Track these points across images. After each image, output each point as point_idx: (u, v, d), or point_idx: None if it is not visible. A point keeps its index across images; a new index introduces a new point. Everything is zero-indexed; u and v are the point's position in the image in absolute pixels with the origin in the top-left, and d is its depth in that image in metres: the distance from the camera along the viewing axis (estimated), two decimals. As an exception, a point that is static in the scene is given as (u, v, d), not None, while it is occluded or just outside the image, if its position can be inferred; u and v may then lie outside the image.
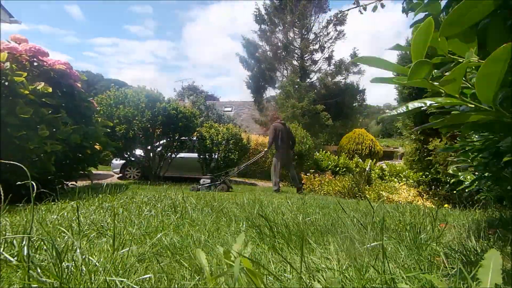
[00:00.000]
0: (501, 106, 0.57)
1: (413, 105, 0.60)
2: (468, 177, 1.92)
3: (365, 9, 2.60)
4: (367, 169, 7.87)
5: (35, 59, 2.83)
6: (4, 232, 1.19)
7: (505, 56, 0.47)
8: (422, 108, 0.61)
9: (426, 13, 0.77)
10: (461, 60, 0.63)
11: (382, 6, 2.50)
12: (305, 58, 16.60)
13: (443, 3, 0.79)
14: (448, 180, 5.13)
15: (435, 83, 0.57)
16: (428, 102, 0.59)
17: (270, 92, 18.07)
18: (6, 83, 2.41)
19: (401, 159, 17.47)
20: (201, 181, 5.76)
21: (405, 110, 0.61)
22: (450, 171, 1.99)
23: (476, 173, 1.72)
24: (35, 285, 0.72)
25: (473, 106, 0.57)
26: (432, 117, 0.75)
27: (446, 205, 4.44)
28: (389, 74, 0.66)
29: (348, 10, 2.16)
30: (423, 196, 6.17)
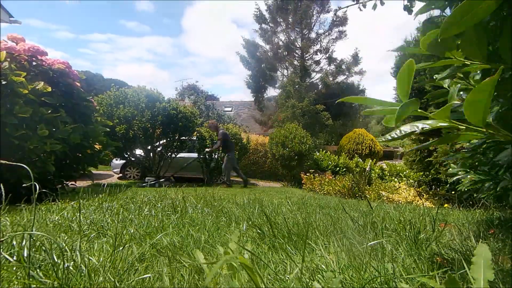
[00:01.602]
0: (496, 123, 0.59)
1: (405, 129, 0.64)
2: (468, 176, 1.92)
3: (364, 6, 2.61)
4: (367, 169, 7.87)
5: (34, 58, 2.83)
6: (4, 232, 1.19)
7: (489, 88, 0.51)
8: (415, 132, 0.65)
9: (429, 13, 0.77)
10: (468, 63, 0.63)
11: (382, 3, 2.50)
12: (306, 58, 16.59)
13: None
14: (448, 180, 5.13)
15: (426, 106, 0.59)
16: (420, 126, 0.63)
17: (271, 92, 18.07)
18: (5, 83, 2.40)
19: (401, 159, 17.48)
20: (146, 179, 6.75)
21: (398, 135, 0.66)
22: (450, 170, 2.00)
23: (477, 172, 1.72)
24: (34, 286, 0.72)
25: (463, 127, 0.59)
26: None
27: (446, 205, 4.44)
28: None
29: (347, 7, 2.16)
30: (423, 196, 6.18)
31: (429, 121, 0.61)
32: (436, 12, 0.88)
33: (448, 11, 0.82)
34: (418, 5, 0.88)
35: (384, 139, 0.69)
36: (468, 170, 1.76)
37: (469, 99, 0.53)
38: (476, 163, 1.60)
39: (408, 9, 1.87)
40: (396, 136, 0.66)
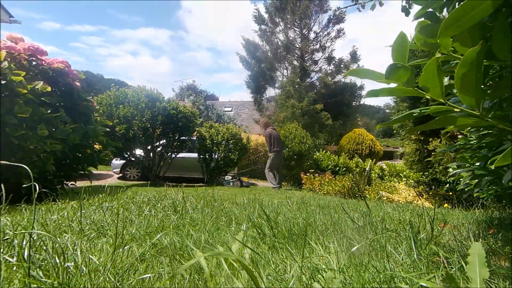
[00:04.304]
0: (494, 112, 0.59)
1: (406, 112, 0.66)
2: (468, 172, 1.93)
3: (363, 7, 2.61)
4: (367, 169, 7.87)
5: (33, 58, 2.83)
6: (4, 232, 1.19)
7: (471, 59, 0.50)
8: (414, 115, 0.67)
9: (429, 10, 0.77)
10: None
11: (381, 4, 2.51)
12: (305, 58, 16.59)
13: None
14: (448, 180, 5.14)
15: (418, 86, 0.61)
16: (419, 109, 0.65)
17: (270, 92, 18.07)
18: (5, 82, 2.40)
19: (401, 159, 17.49)
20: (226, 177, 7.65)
21: (399, 116, 0.68)
22: (450, 169, 2.00)
23: (475, 171, 1.72)
24: (35, 285, 0.72)
25: (458, 110, 0.59)
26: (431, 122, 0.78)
27: (445, 205, 4.45)
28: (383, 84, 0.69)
29: (347, 7, 2.19)
30: (423, 196, 6.18)
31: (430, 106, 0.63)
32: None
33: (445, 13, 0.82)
34: (416, 7, 0.88)
35: (386, 122, 0.71)
36: (469, 170, 1.76)
37: (458, 74, 0.53)
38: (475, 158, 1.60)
39: (406, 10, 1.87)
40: (397, 118, 0.68)
